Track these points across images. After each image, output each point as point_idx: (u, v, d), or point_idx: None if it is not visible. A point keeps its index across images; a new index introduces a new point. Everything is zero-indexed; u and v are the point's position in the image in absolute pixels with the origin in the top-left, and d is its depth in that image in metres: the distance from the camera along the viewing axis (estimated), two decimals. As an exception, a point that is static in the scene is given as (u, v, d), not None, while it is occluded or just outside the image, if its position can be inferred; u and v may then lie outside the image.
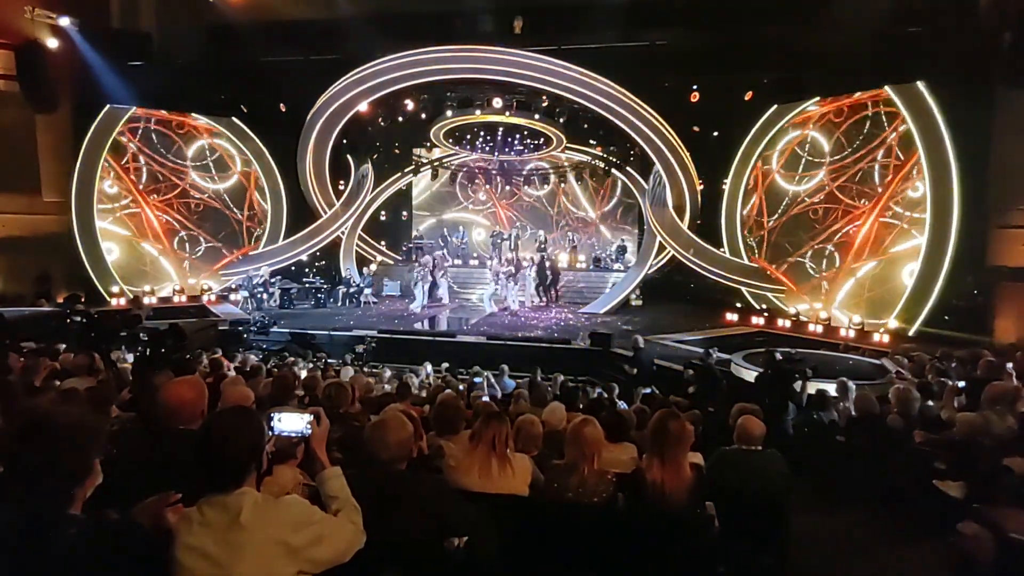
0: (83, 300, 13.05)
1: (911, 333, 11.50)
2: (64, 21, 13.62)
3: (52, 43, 13.82)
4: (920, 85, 11.47)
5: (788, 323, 13.32)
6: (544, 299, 16.45)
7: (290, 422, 2.12)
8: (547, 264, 16.56)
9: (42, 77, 14.12)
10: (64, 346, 7.05)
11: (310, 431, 2.13)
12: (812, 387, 6.41)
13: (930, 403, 5.43)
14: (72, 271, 14.71)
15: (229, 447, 1.77)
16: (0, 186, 13.91)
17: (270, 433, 2.02)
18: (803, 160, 13.86)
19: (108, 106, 14.64)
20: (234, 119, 15.96)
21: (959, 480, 3.89)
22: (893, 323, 11.86)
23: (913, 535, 4.13)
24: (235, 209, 16.69)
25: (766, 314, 13.90)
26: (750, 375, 8.53)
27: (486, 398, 6.55)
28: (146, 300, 14.77)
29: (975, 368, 6.72)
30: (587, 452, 3.01)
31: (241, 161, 16.54)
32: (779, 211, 14.23)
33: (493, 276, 15.99)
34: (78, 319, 8.96)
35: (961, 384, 5.59)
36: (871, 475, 4.70)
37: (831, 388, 6.31)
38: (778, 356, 7.21)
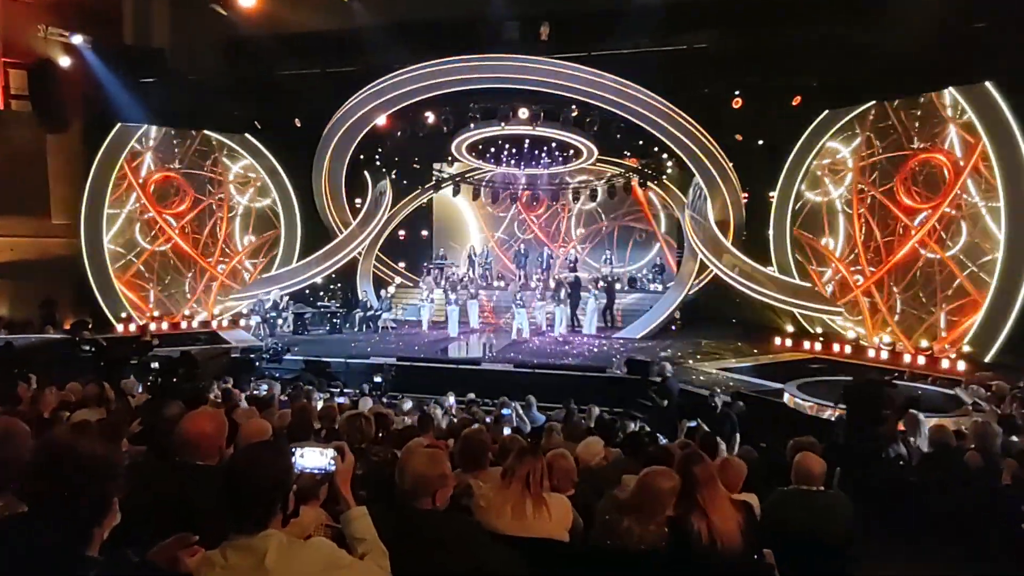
0: (90, 326, 13.43)
1: (987, 360, 11.13)
2: (77, 39, 14.19)
3: (64, 61, 14.44)
4: (989, 85, 11.26)
5: (848, 348, 13.02)
6: (605, 322, 16.46)
7: (312, 458, 2.12)
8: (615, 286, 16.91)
9: (54, 96, 14.73)
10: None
11: (334, 467, 2.14)
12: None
13: (1014, 438, 5.24)
14: (80, 296, 15.17)
15: (256, 485, 1.79)
16: (10, 209, 14.48)
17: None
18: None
19: (119, 124, 15.17)
20: (247, 135, 16.42)
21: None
22: (966, 348, 11.50)
23: (999, 586, 3.96)
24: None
25: (821, 338, 13.61)
26: (808, 406, 8.33)
27: (507, 431, 6.49)
28: (152, 326, 15.12)
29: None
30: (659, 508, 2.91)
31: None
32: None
33: (540, 295, 16.18)
34: (87, 347, 9.28)
35: (1049, 416, 5.39)
36: (949, 517, 4.52)
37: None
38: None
